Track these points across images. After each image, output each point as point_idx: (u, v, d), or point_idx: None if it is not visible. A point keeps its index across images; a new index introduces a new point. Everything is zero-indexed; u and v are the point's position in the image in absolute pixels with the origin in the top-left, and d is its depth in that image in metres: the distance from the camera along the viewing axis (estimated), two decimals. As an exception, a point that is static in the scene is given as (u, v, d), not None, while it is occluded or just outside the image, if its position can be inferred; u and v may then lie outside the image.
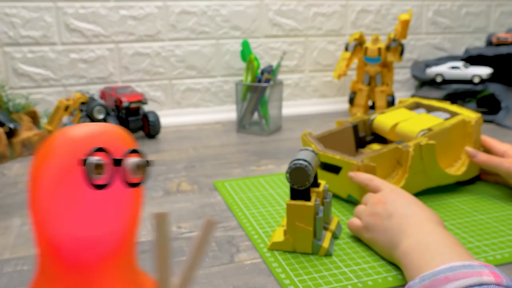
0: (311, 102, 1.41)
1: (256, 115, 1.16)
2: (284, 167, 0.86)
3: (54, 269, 0.32)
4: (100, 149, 0.30)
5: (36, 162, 0.31)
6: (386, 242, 0.51)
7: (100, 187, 0.30)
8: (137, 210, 0.34)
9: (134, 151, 0.31)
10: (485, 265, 0.38)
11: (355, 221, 0.57)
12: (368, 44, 1.24)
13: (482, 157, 0.69)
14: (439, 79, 1.31)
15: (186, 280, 0.27)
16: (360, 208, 0.58)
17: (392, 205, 0.53)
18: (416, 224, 0.49)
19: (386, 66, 1.24)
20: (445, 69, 1.30)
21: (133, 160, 0.31)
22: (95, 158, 0.29)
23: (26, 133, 0.97)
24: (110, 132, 0.32)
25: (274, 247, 0.55)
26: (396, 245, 0.49)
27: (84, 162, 0.29)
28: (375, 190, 0.59)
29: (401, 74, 1.50)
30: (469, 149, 0.70)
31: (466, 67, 1.27)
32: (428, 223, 0.49)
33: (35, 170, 0.31)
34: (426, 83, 1.38)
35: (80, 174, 0.30)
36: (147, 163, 0.31)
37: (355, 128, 0.82)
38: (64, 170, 0.30)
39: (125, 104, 1.03)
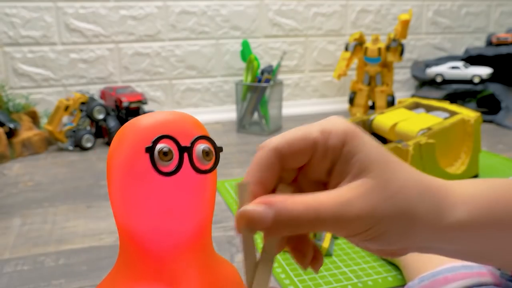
0: (311, 102, 1.41)
1: (256, 115, 1.16)
2: (284, 167, 0.86)
3: (132, 257, 0.32)
4: (166, 136, 0.30)
5: (109, 152, 0.31)
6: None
7: (168, 174, 0.29)
8: (210, 197, 0.33)
9: (202, 138, 0.31)
10: (484, 266, 0.38)
11: None
12: (368, 44, 1.24)
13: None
14: (439, 79, 1.31)
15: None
16: None
17: None
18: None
19: (386, 66, 1.24)
20: (445, 69, 1.30)
21: (200, 146, 0.30)
22: (161, 145, 0.29)
23: (26, 133, 0.97)
24: (178, 120, 0.31)
25: (274, 247, 0.55)
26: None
27: (149, 149, 0.29)
28: None
29: (401, 74, 1.50)
30: None
31: (466, 67, 1.27)
32: None
33: (109, 161, 0.31)
34: (426, 83, 1.38)
35: (147, 162, 0.29)
36: (216, 149, 0.31)
37: (355, 128, 0.82)
38: (133, 159, 0.30)
39: (125, 104, 1.03)
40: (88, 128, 1.04)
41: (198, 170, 0.31)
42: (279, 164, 0.26)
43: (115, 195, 0.31)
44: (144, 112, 1.08)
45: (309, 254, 0.28)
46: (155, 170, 0.29)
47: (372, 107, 1.31)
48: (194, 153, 0.30)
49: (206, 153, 0.31)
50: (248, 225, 0.24)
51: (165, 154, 0.29)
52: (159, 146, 0.29)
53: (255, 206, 0.24)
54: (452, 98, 1.29)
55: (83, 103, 1.01)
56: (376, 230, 0.24)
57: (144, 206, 0.30)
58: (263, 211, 0.23)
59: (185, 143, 0.30)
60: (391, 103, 1.23)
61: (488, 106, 1.27)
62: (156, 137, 0.29)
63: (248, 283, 0.26)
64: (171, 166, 0.30)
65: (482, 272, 0.37)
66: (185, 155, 0.30)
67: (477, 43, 1.56)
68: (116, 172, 0.30)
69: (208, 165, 0.31)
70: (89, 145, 1.00)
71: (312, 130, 0.25)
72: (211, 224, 0.34)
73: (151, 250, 0.31)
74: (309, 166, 0.26)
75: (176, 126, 0.31)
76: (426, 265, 0.42)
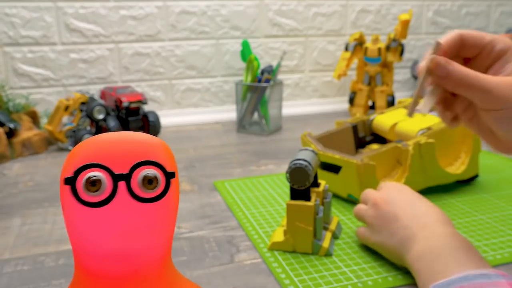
0: (311, 102, 1.41)
1: (256, 115, 1.16)
2: (284, 167, 0.86)
3: (85, 281, 0.31)
4: (94, 165, 0.28)
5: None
6: (395, 246, 0.48)
7: (95, 205, 0.28)
8: (163, 225, 0.30)
9: (145, 163, 0.29)
10: (501, 274, 0.36)
11: (362, 228, 0.55)
12: (368, 44, 1.24)
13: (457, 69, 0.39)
14: (439, 79, 1.30)
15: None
16: (361, 208, 0.55)
17: (396, 205, 0.50)
18: (426, 226, 0.47)
19: (386, 66, 1.24)
20: (445, 69, 1.29)
21: (143, 172, 0.28)
22: (90, 174, 0.28)
23: (26, 133, 0.97)
24: (120, 143, 0.29)
25: (274, 247, 0.55)
26: (406, 249, 0.46)
27: (69, 180, 0.28)
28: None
29: (401, 74, 1.50)
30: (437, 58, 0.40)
31: (466, 67, 1.27)
32: (439, 224, 0.47)
33: (60, 180, 0.30)
34: (426, 83, 1.38)
35: (69, 192, 0.28)
36: (166, 175, 0.29)
37: (354, 128, 0.82)
38: (62, 188, 0.28)
39: (125, 104, 1.03)
40: (88, 128, 1.04)
41: (139, 199, 0.29)
42: (458, 48, 0.41)
43: (63, 212, 0.30)
44: (144, 112, 1.08)
45: (452, 113, 0.44)
46: (78, 201, 0.28)
47: (372, 107, 1.31)
48: (134, 181, 0.28)
49: (148, 181, 0.28)
50: (432, 67, 0.38)
51: (92, 184, 0.27)
52: (87, 175, 0.28)
53: (442, 58, 0.38)
54: (452, 98, 1.29)
55: (83, 103, 1.01)
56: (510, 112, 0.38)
57: (86, 233, 0.29)
58: (445, 63, 0.38)
59: (122, 169, 0.28)
60: (391, 103, 1.23)
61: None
62: (78, 167, 0.28)
63: (413, 104, 0.42)
64: (102, 196, 0.28)
65: (500, 282, 0.35)
66: (122, 183, 0.28)
67: (477, 43, 1.55)
68: (60, 195, 0.29)
69: (152, 193, 0.29)
70: (89, 145, 1.00)
71: (487, 35, 0.41)
72: (169, 252, 0.33)
73: (104, 275, 0.30)
74: (475, 60, 0.42)
75: (113, 151, 0.29)
76: (440, 271, 0.40)
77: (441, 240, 0.44)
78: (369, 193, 0.56)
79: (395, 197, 0.52)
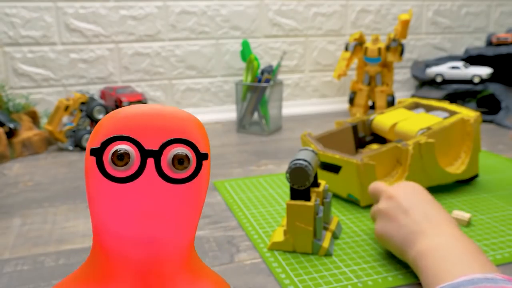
0: (311, 102, 1.41)
1: (256, 115, 1.16)
2: (284, 167, 0.86)
3: (102, 261, 0.28)
4: (122, 137, 0.26)
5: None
6: (400, 239, 0.48)
7: (120, 180, 0.26)
8: (191, 209, 0.28)
9: (177, 141, 0.26)
10: (508, 279, 0.36)
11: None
12: (368, 44, 1.24)
13: None
14: (439, 79, 1.31)
15: None
16: (374, 207, 0.55)
17: (408, 200, 0.50)
18: (436, 224, 0.46)
19: (386, 66, 1.24)
20: (445, 69, 1.30)
21: (174, 151, 0.26)
22: (117, 147, 0.25)
23: (26, 133, 0.97)
24: (152, 116, 0.27)
25: (274, 247, 0.55)
26: (411, 244, 0.46)
27: (95, 152, 0.26)
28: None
29: (401, 74, 1.50)
30: None
31: (466, 67, 1.27)
32: (449, 225, 0.46)
33: (85, 153, 0.28)
34: (426, 83, 1.38)
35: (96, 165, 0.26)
36: (198, 156, 0.27)
37: (354, 128, 0.82)
38: (90, 160, 0.26)
39: (125, 104, 1.03)
40: (88, 128, 1.04)
41: (168, 179, 0.26)
42: None
43: (87, 192, 0.28)
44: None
45: None
46: (102, 175, 0.26)
47: (372, 107, 1.31)
48: (164, 159, 0.26)
49: (179, 160, 0.26)
50: None
51: (119, 157, 0.25)
52: (115, 147, 0.26)
53: None
54: (452, 98, 1.29)
55: (83, 103, 1.01)
56: None
57: (106, 211, 0.27)
58: None
59: (153, 146, 0.26)
60: (391, 103, 1.23)
61: (488, 106, 1.27)
62: (106, 138, 0.26)
63: None
64: (129, 171, 0.26)
65: (507, 287, 0.34)
66: (151, 160, 0.26)
67: (477, 43, 1.56)
68: (84, 173, 0.27)
69: (182, 174, 0.27)
70: (89, 145, 1.00)
71: None
72: (193, 240, 0.30)
73: (119, 260, 0.28)
74: None
75: (144, 124, 0.26)
76: (446, 272, 0.39)
77: (450, 240, 0.44)
78: (382, 187, 0.55)
79: (408, 193, 0.52)
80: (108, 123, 0.27)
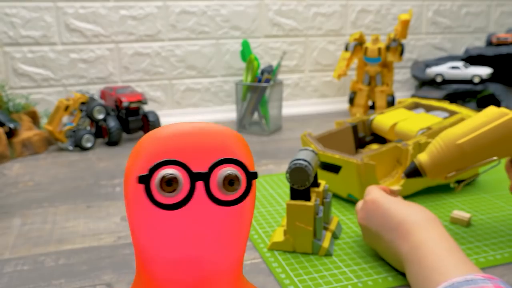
0: (311, 102, 1.41)
1: (256, 115, 1.16)
2: (284, 167, 0.86)
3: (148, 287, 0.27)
4: (171, 162, 0.24)
5: (126, 168, 0.26)
6: (387, 248, 0.49)
7: (169, 207, 0.24)
8: (239, 231, 0.26)
9: (226, 161, 0.25)
10: (488, 278, 0.36)
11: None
12: (368, 44, 1.24)
13: None
14: (439, 79, 1.31)
15: None
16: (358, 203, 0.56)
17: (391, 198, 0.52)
18: (413, 227, 0.47)
19: (386, 66, 1.24)
20: (445, 69, 1.30)
21: (224, 172, 0.25)
22: (165, 172, 0.24)
23: (26, 133, 0.97)
24: (196, 136, 0.25)
25: (274, 247, 0.55)
26: (397, 250, 0.47)
27: (144, 179, 0.24)
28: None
29: (401, 74, 1.50)
30: None
31: (466, 67, 1.27)
32: (427, 223, 0.47)
33: (124, 182, 0.26)
34: (426, 83, 1.38)
35: (143, 192, 0.24)
36: (248, 176, 0.25)
37: (354, 128, 0.82)
38: (135, 186, 0.25)
39: (125, 104, 1.03)
40: (88, 128, 1.04)
41: (218, 202, 0.25)
42: None
43: (129, 221, 0.26)
44: (144, 112, 1.07)
45: None
46: (151, 203, 0.24)
47: (372, 107, 1.31)
48: (213, 181, 0.25)
49: (230, 182, 0.25)
50: None
51: (167, 183, 0.24)
52: (162, 172, 0.24)
53: None
54: (452, 98, 1.29)
55: (83, 103, 1.01)
56: None
57: (153, 238, 0.25)
58: None
59: (201, 167, 0.24)
60: (391, 103, 1.23)
61: (488, 106, 1.27)
62: (154, 164, 0.24)
63: None
64: (178, 197, 0.24)
65: (487, 286, 0.35)
66: (200, 183, 0.24)
67: (477, 43, 1.56)
68: (127, 199, 0.26)
69: (233, 195, 0.25)
70: (89, 145, 1.00)
71: None
72: (241, 262, 0.29)
73: (167, 285, 0.26)
74: None
75: (191, 145, 0.25)
76: (426, 279, 0.40)
77: (427, 243, 0.44)
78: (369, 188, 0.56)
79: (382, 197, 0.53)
80: (152, 146, 0.25)
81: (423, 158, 0.55)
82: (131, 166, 0.25)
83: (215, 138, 0.25)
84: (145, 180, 0.24)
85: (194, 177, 0.24)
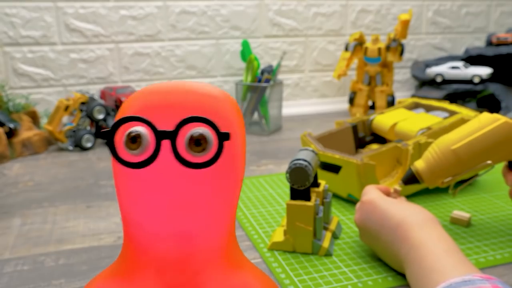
0: (311, 102, 1.41)
1: (256, 115, 1.16)
2: (284, 167, 0.86)
3: (130, 259, 0.26)
4: (134, 118, 0.23)
5: None
6: (385, 248, 0.49)
7: (134, 165, 0.23)
8: (218, 198, 0.25)
9: (194, 119, 0.23)
10: (486, 278, 0.36)
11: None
12: (368, 44, 1.24)
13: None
14: (439, 79, 1.31)
15: None
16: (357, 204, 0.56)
17: (385, 205, 0.51)
18: (413, 227, 0.47)
19: (386, 66, 1.24)
20: (445, 69, 1.30)
21: (191, 132, 0.23)
22: (131, 129, 0.23)
23: (26, 133, 0.97)
24: (166, 94, 0.24)
25: (274, 247, 0.55)
26: (396, 251, 0.47)
27: (106, 134, 0.23)
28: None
29: (401, 74, 1.50)
30: None
31: (466, 67, 1.27)
32: (426, 224, 0.47)
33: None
34: (426, 83, 1.38)
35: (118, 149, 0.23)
36: (219, 136, 0.23)
37: (354, 128, 0.82)
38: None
39: (125, 104, 1.03)
40: (88, 128, 1.04)
41: (186, 163, 0.24)
42: None
43: (115, 182, 0.26)
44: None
45: None
46: (116, 159, 0.23)
47: (372, 107, 1.31)
48: (180, 141, 0.24)
49: (196, 142, 0.23)
50: None
51: (132, 140, 0.23)
52: (129, 130, 0.23)
53: None
54: (452, 98, 1.29)
55: (83, 103, 1.01)
56: None
57: (127, 199, 0.25)
58: None
59: (168, 126, 0.24)
60: (391, 103, 1.23)
61: (488, 106, 1.27)
62: (117, 120, 0.23)
63: None
64: (143, 156, 0.23)
65: (485, 286, 0.35)
66: (166, 142, 0.24)
67: (477, 43, 1.56)
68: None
69: (202, 157, 0.24)
70: (89, 145, 1.00)
71: None
72: (231, 235, 0.27)
73: (148, 254, 0.25)
74: None
75: (158, 103, 0.24)
76: (424, 280, 0.40)
77: (425, 244, 0.44)
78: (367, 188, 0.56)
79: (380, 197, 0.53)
80: (126, 104, 0.25)
81: (419, 165, 0.56)
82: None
83: (186, 96, 0.24)
84: (107, 135, 0.23)
85: (160, 135, 0.23)
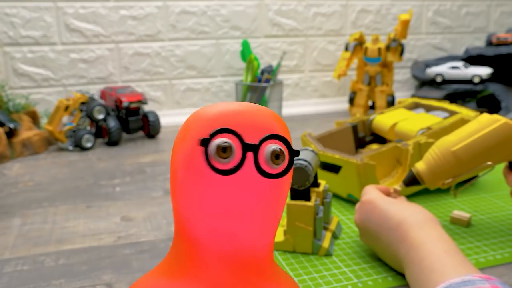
0: (311, 102, 1.41)
1: (256, 115, 1.15)
2: (284, 167, 0.86)
3: (185, 251, 0.28)
4: (227, 130, 0.26)
5: (174, 143, 0.29)
6: (385, 248, 0.49)
7: (223, 172, 0.26)
8: (277, 206, 0.29)
9: (274, 137, 0.27)
10: (486, 278, 0.36)
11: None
12: (368, 44, 1.24)
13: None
14: (439, 79, 1.31)
15: None
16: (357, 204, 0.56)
17: (385, 205, 0.51)
18: (412, 227, 0.47)
19: (386, 66, 1.24)
20: (445, 69, 1.30)
21: (271, 147, 0.27)
22: (221, 140, 0.26)
23: (26, 133, 0.97)
24: (249, 112, 0.28)
25: (274, 247, 0.55)
26: (396, 251, 0.47)
27: (204, 142, 0.26)
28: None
29: (401, 74, 1.50)
30: None
31: (466, 67, 1.27)
32: (426, 224, 0.47)
33: (172, 152, 0.29)
34: (426, 83, 1.38)
35: (201, 156, 0.26)
36: (291, 152, 0.28)
37: (354, 128, 0.82)
38: (192, 152, 0.27)
39: (125, 104, 1.03)
40: (88, 128, 1.04)
41: (264, 174, 0.27)
42: None
43: (174, 189, 0.28)
44: (144, 112, 1.07)
45: None
46: (208, 165, 0.26)
47: (372, 107, 1.31)
48: (261, 154, 0.27)
49: (276, 156, 0.27)
50: None
51: (223, 150, 0.26)
52: (218, 140, 0.26)
53: None
54: (452, 98, 1.29)
55: (83, 103, 1.01)
56: None
57: (200, 204, 0.27)
58: None
59: (252, 140, 0.27)
60: (391, 103, 1.23)
61: (488, 106, 1.27)
62: (214, 130, 0.26)
63: None
64: (230, 164, 0.26)
65: (484, 287, 0.35)
66: (250, 154, 0.27)
67: (477, 43, 1.56)
68: (177, 164, 0.28)
69: (277, 169, 0.27)
70: (89, 145, 1.00)
71: None
72: (274, 238, 0.31)
73: (208, 251, 0.28)
74: None
75: (244, 120, 0.27)
76: (424, 280, 0.40)
77: (424, 244, 0.44)
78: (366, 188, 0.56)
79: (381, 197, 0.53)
80: (212, 115, 0.27)
81: (420, 166, 0.56)
82: (191, 130, 0.28)
83: (264, 116, 0.28)
84: (205, 143, 0.26)
85: (246, 147, 0.27)
